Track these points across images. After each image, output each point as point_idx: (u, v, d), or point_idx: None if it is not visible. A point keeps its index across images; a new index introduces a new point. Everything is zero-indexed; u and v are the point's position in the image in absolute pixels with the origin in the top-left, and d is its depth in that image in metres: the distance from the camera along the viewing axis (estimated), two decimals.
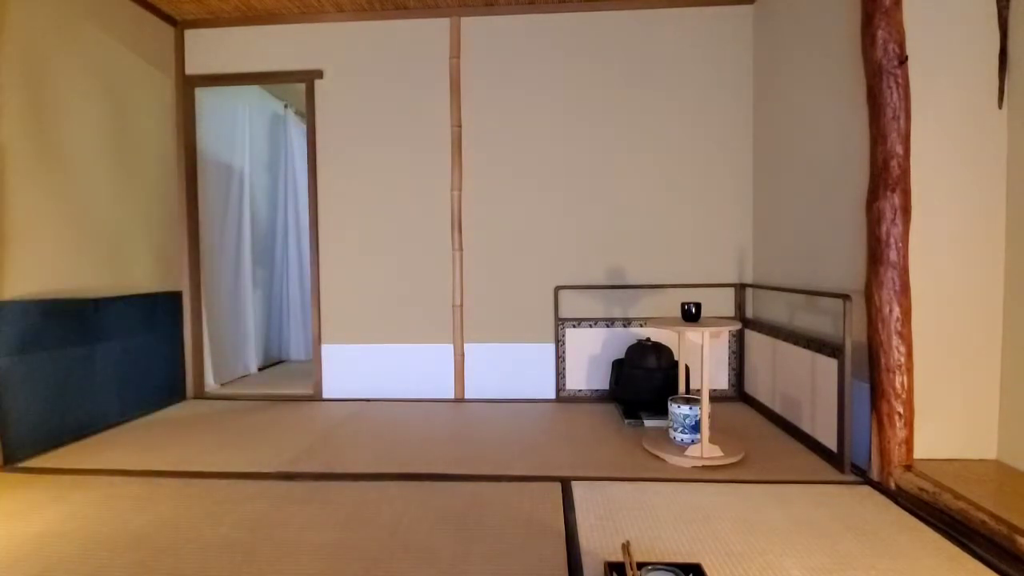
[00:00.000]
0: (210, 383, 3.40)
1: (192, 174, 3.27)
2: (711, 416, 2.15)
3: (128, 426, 2.72)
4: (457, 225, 3.15)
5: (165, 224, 3.13)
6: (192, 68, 3.24)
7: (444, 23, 3.13)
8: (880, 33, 1.84)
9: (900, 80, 1.82)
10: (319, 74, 3.18)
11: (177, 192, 3.22)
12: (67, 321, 2.45)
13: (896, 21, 1.83)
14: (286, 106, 4.27)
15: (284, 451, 2.31)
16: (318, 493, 1.89)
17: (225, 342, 3.61)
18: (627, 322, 3.10)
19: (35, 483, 2.02)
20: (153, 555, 1.50)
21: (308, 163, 3.22)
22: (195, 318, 3.29)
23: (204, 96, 3.34)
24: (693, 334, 2.13)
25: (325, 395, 3.22)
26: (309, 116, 3.21)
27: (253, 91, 3.87)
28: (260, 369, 3.96)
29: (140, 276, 2.93)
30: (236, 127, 3.75)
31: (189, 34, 3.23)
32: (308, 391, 3.29)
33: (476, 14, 3.11)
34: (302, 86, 3.25)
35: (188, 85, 3.24)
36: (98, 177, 2.67)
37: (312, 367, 3.30)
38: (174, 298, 3.18)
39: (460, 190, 3.15)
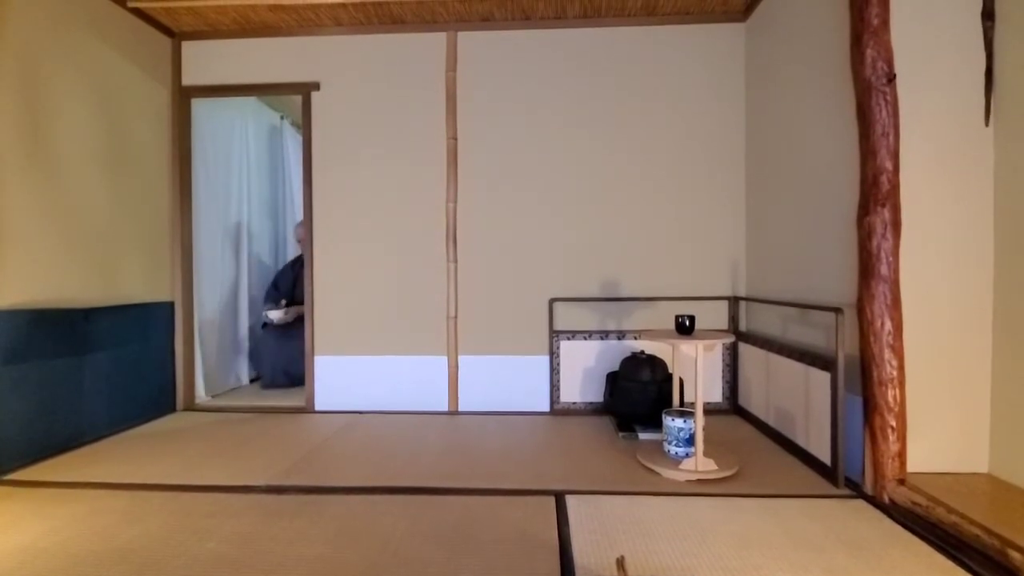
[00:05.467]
0: (200, 395, 3.36)
1: (187, 184, 3.26)
2: (705, 429, 2.15)
3: (116, 438, 2.68)
4: (452, 237, 3.16)
5: (158, 234, 3.12)
6: (189, 79, 3.25)
7: (441, 37, 3.16)
8: (869, 52, 1.88)
9: (889, 97, 1.86)
10: (316, 86, 3.20)
11: (171, 202, 3.22)
12: (57, 331, 2.43)
13: (884, 40, 1.87)
14: (282, 117, 4.29)
15: (274, 464, 2.29)
16: (308, 507, 1.87)
17: (216, 353, 3.58)
18: (621, 334, 3.10)
19: (19, 496, 1.98)
20: (139, 570, 1.47)
21: (304, 174, 3.23)
22: (187, 329, 3.26)
23: (200, 107, 3.34)
24: (687, 347, 2.14)
25: (317, 407, 3.19)
26: (305, 128, 3.22)
27: (250, 102, 3.88)
28: (251, 380, 3.92)
29: (132, 286, 2.91)
30: (232, 138, 3.75)
31: (186, 45, 3.24)
32: (300, 403, 3.26)
33: (472, 29, 3.14)
34: (299, 98, 3.26)
35: (184, 96, 3.24)
36: (92, 186, 2.66)
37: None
38: (166, 308, 3.16)
39: (455, 202, 3.16)
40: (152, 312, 3.04)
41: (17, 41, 2.30)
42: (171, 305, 3.20)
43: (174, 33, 3.23)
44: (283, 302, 3.77)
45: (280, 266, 4.23)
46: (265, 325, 3.84)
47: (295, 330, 3.66)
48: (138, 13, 2.96)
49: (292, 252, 4.31)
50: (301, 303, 3.70)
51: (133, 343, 2.90)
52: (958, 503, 1.65)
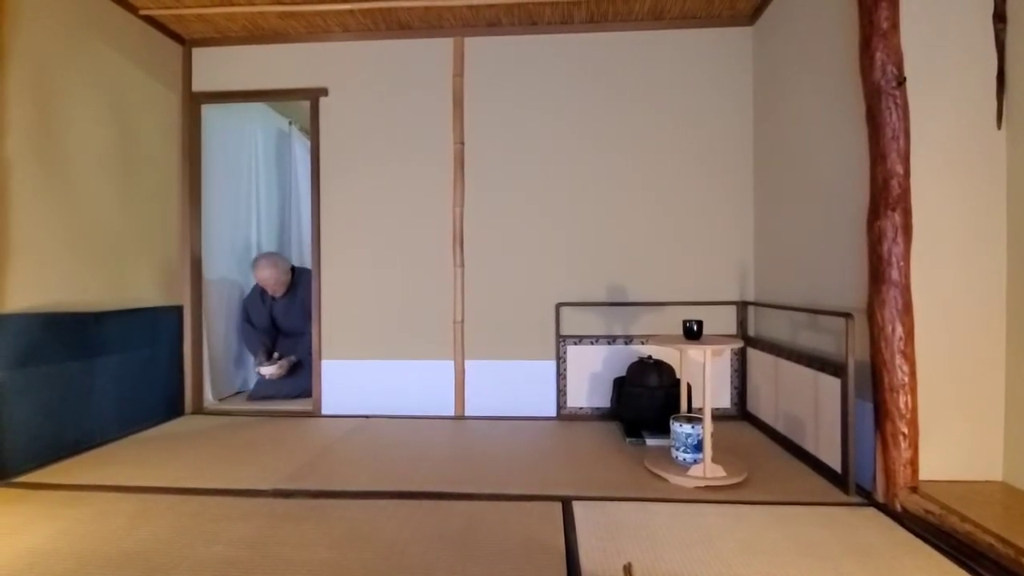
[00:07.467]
0: (208, 398, 3.38)
1: (196, 189, 3.29)
2: (713, 435, 2.13)
3: (125, 441, 2.70)
4: (459, 241, 3.16)
5: (168, 238, 3.15)
6: (199, 85, 3.28)
7: (447, 42, 3.18)
8: (878, 55, 1.86)
9: (899, 101, 1.84)
10: (324, 92, 3.22)
11: (181, 207, 3.24)
12: (67, 334, 2.45)
13: (894, 43, 1.85)
14: (291, 123, 4.32)
15: (281, 468, 2.29)
16: (314, 511, 1.87)
17: (225, 357, 3.60)
18: (629, 339, 3.08)
19: (29, 498, 1.99)
20: (146, 573, 1.48)
21: (311, 179, 3.25)
22: (195, 333, 3.28)
23: (210, 112, 3.38)
24: (695, 352, 2.12)
25: (324, 411, 3.20)
26: (313, 133, 3.25)
27: (258, 108, 3.92)
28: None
29: (142, 290, 2.93)
30: (241, 143, 3.78)
31: (196, 52, 3.28)
32: (307, 407, 3.27)
33: (479, 34, 3.16)
34: (307, 103, 3.29)
35: (194, 102, 3.28)
36: (103, 191, 2.69)
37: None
38: (175, 312, 3.18)
39: (462, 206, 3.17)
40: (161, 316, 3.07)
41: (30, 49, 2.33)
42: (180, 309, 3.23)
43: (184, 40, 3.26)
44: (275, 355, 3.62)
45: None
46: (257, 384, 3.58)
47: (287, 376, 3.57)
48: (149, 20, 2.99)
49: (295, 255, 4.32)
50: (283, 344, 3.68)
51: (142, 347, 2.92)
52: (972, 511, 1.62)
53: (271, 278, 3.59)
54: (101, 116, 2.68)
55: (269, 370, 3.51)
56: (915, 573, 1.47)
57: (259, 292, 3.73)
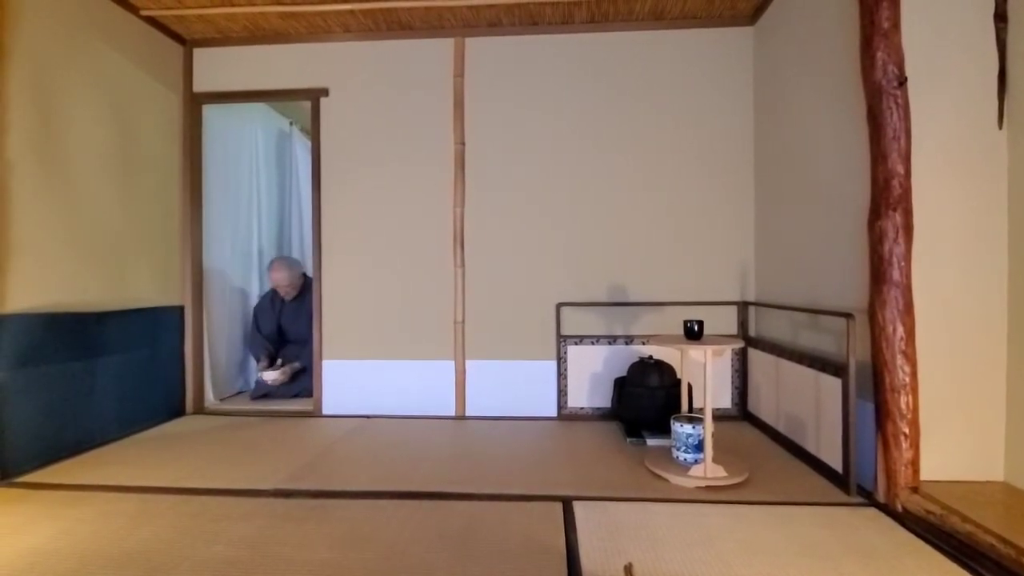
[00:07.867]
0: (209, 398, 3.38)
1: (197, 190, 3.29)
2: (714, 435, 2.13)
3: (126, 441, 2.70)
4: (459, 242, 3.16)
5: (169, 239, 3.15)
6: (200, 85, 3.28)
7: (448, 43, 3.18)
8: (879, 55, 1.86)
9: (900, 101, 1.84)
10: (325, 92, 3.22)
11: (181, 207, 3.25)
12: (68, 335, 2.45)
13: (895, 43, 1.85)
14: (291, 123, 4.32)
15: (282, 468, 2.29)
16: (315, 511, 1.87)
17: (225, 357, 3.60)
18: (629, 339, 3.08)
19: (30, 498, 1.99)
20: (147, 573, 1.48)
21: (312, 179, 3.25)
22: (196, 333, 3.28)
23: (211, 112, 3.38)
24: (695, 352, 2.12)
25: (325, 411, 3.20)
26: (314, 133, 3.25)
27: (259, 108, 3.92)
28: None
29: (142, 290, 2.93)
30: (242, 144, 3.78)
31: (197, 52, 3.28)
32: (308, 407, 3.27)
33: (480, 34, 3.16)
34: (308, 104, 3.29)
35: (195, 102, 3.28)
36: (104, 192, 2.69)
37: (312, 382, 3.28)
38: (176, 312, 3.18)
39: (463, 207, 3.17)
40: (162, 316, 3.07)
41: (31, 49, 2.33)
42: (181, 309, 3.23)
43: (185, 40, 3.26)
44: (279, 361, 3.64)
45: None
46: (257, 383, 3.59)
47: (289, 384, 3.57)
48: (150, 21, 3.00)
49: (296, 255, 4.32)
50: (289, 350, 3.69)
51: (143, 347, 2.92)
52: (973, 511, 1.62)
53: (284, 279, 3.65)
54: (102, 116, 2.69)
55: (272, 375, 3.53)
56: (916, 573, 1.47)
57: (269, 299, 3.77)
